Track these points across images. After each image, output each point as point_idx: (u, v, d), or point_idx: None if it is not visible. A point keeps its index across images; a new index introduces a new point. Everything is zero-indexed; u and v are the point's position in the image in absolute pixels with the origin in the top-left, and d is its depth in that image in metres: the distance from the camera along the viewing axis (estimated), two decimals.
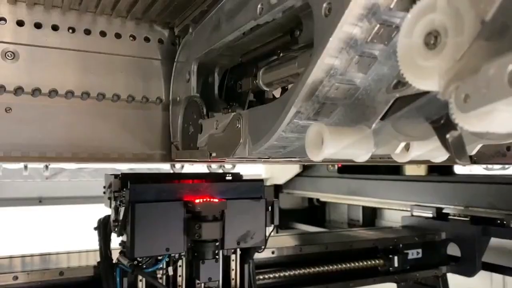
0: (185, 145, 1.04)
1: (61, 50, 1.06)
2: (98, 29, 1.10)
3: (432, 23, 0.43)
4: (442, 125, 0.51)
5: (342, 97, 0.61)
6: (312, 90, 0.60)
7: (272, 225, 1.41)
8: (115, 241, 1.30)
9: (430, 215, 2.19)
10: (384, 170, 2.81)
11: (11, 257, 1.37)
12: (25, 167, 2.66)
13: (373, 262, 1.81)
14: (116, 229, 1.23)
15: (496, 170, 2.66)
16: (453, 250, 2.05)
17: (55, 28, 1.06)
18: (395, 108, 0.58)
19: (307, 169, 3.15)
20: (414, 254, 1.92)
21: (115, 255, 1.27)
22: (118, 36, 1.12)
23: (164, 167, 3.46)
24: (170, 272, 1.24)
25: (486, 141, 0.61)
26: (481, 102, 0.38)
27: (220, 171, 3.01)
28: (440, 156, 0.66)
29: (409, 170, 2.81)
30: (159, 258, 1.20)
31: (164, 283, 1.24)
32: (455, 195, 2.19)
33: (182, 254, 1.23)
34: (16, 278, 1.19)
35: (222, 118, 0.85)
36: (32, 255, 1.41)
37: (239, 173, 1.43)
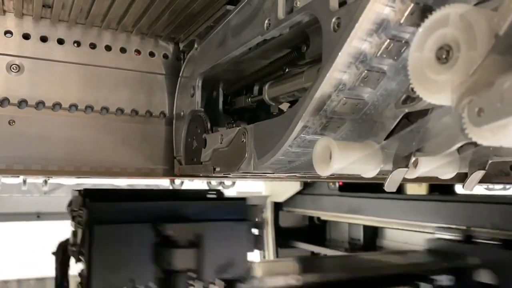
0: (189, 159, 1.04)
1: (66, 64, 1.06)
2: (103, 44, 1.11)
3: (444, 38, 0.43)
4: None
5: (350, 112, 0.61)
6: (320, 105, 0.60)
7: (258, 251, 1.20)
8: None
9: (459, 238, 2.02)
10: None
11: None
12: (24, 181, 2.65)
13: None
14: (74, 255, 1.02)
15: (497, 190, 2.65)
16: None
17: (60, 41, 1.06)
18: (403, 123, 0.58)
19: (307, 187, 3.13)
20: (445, 281, 1.75)
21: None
22: (123, 50, 1.13)
23: (164, 184, 3.45)
24: None
25: (496, 158, 0.61)
26: (495, 116, 0.38)
27: (220, 187, 2.99)
28: (448, 172, 0.65)
29: (410, 189, 2.80)
30: None
31: None
32: (456, 214, 2.18)
33: (150, 286, 1.02)
34: None
35: (227, 133, 0.84)
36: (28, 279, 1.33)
37: (219, 190, 1.32)
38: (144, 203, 1.05)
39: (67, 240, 1.10)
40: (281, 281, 1.42)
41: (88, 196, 1.03)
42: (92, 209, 0.98)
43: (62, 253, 1.08)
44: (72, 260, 1.09)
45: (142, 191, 1.27)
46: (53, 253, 1.11)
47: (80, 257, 1.01)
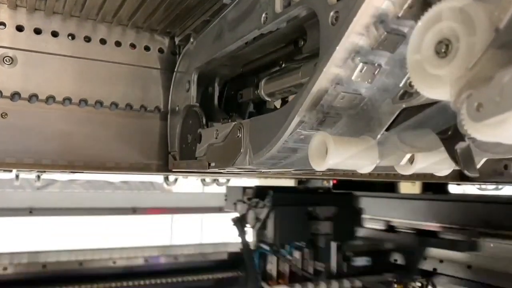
0: (183, 155, 1.03)
1: (60, 57, 1.05)
2: (98, 37, 1.09)
3: (443, 31, 0.42)
4: (450, 136, 0.51)
5: (347, 107, 0.60)
6: (317, 99, 0.59)
7: None
8: None
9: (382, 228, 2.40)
10: (379, 187, 2.80)
11: None
12: (17, 176, 2.63)
13: None
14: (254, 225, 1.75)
15: (489, 190, 2.67)
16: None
17: (55, 34, 1.05)
18: (400, 119, 0.57)
19: (302, 185, 3.13)
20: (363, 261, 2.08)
21: None
22: (118, 44, 1.12)
23: (158, 180, 3.43)
24: None
25: (491, 155, 0.61)
26: (494, 111, 0.37)
27: (214, 185, 2.99)
28: (444, 169, 0.65)
29: (404, 188, 2.81)
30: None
31: None
32: (449, 213, 2.20)
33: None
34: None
35: (222, 128, 0.84)
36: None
37: None
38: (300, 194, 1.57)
39: (239, 217, 1.71)
40: None
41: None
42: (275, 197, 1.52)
43: (241, 224, 1.66)
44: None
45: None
46: (234, 224, 1.76)
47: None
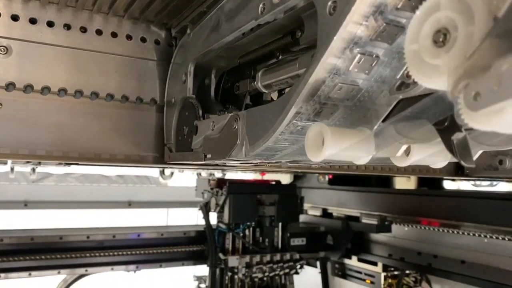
0: (179, 147, 1.03)
1: (56, 47, 1.04)
2: (94, 27, 1.09)
3: (441, 20, 0.42)
4: (446, 127, 0.50)
5: (344, 98, 0.60)
6: (314, 90, 0.59)
7: None
8: None
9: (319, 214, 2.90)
10: (375, 182, 2.81)
11: None
12: (12, 169, 2.61)
13: None
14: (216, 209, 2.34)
15: (484, 187, 2.68)
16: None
17: (50, 24, 1.04)
18: (397, 110, 0.57)
19: (297, 180, 3.14)
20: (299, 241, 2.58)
21: None
22: (114, 35, 1.11)
23: (154, 174, 3.43)
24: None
25: (487, 147, 0.61)
26: (492, 100, 0.37)
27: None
28: (440, 161, 0.65)
29: (399, 184, 2.82)
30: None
31: None
32: (443, 209, 2.21)
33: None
34: None
35: (219, 119, 0.84)
36: None
37: None
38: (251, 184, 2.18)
39: (206, 203, 2.27)
40: None
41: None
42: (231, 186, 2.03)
43: (206, 209, 2.24)
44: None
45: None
46: (199, 209, 2.32)
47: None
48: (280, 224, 2.47)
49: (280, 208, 2.41)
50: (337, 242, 2.63)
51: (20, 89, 1.00)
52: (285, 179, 3.14)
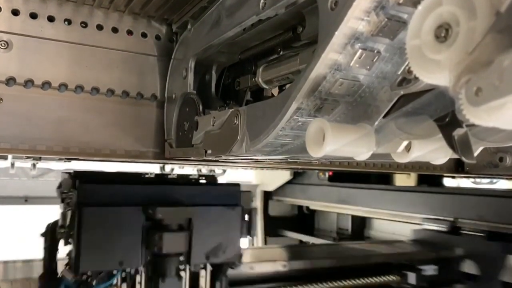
0: (180, 142, 1.03)
1: (56, 42, 1.04)
2: (94, 23, 1.08)
3: (443, 15, 0.42)
4: (447, 123, 0.50)
5: (345, 94, 0.60)
6: (315, 86, 0.59)
7: (248, 237, 1.25)
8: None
9: (444, 229, 2.09)
10: (375, 179, 2.81)
11: None
12: (12, 165, 2.62)
13: (388, 278, 1.71)
14: (62, 237, 1.06)
15: (484, 184, 2.68)
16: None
17: (51, 19, 1.04)
18: (398, 106, 0.57)
19: (297, 177, 3.14)
20: (429, 270, 1.82)
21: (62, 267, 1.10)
22: (115, 30, 1.11)
23: (155, 170, 3.42)
24: None
25: (488, 143, 0.61)
26: (493, 95, 0.37)
27: None
28: (440, 157, 0.65)
29: (399, 181, 2.82)
30: (113, 273, 1.02)
31: None
32: (444, 206, 2.20)
33: (140, 269, 1.05)
34: None
35: (219, 115, 0.83)
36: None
37: (213, 175, 1.27)
38: (135, 186, 1.06)
39: (55, 222, 1.13)
40: (269, 267, 1.43)
41: (78, 178, 1.03)
42: (82, 191, 0.99)
43: (51, 235, 1.10)
44: (61, 243, 1.10)
45: (133, 174, 1.31)
46: (42, 235, 1.14)
47: (69, 239, 1.03)
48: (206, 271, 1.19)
49: (200, 237, 1.13)
50: (486, 272, 1.85)
51: (20, 84, 1.00)
52: (284, 176, 3.12)
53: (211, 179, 1.22)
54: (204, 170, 2.91)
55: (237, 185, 1.20)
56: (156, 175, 1.19)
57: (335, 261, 1.64)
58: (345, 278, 1.57)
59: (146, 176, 1.22)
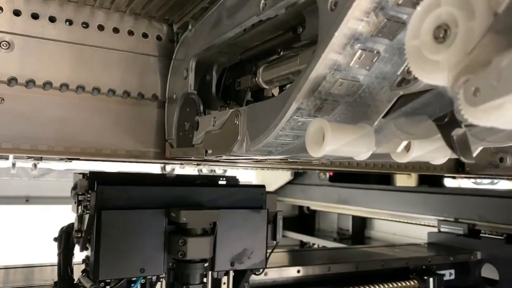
0: (180, 142, 1.03)
1: (57, 42, 1.05)
2: (96, 23, 1.09)
3: (442, 16, 0.42)
4: (446, 123, 0.51)
5: (345, 94, 0.60)
6: (315, 86, 0.59)
7: (274, 242, 1.18)
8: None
9: (461, 232, 2.03)
10: (375, 180, 2.81)
11: None
12: (13, 165, 2.62)
13: (407, 283, 1.66)
14: (79, 242, 1.01)
15: (484, 185, 2.68)
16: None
17: (52, 19, 1.04)
18: (397, 106, 0.57)
19: (298, 177, 3.14)
20: (447, 275, 1.77)
21: (78, 273, 1.05)
22: (116, 30, 1.11)
23: (156, 171, 3.43)
24: None
25: (487, 143, 0.61)
26: (491, 95, 0.37)
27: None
28: (440, 157, 0.65)
29: (400, 181, 2.82)
30: (133, 280, 0.97)
31: None
32: (444, 206, 2.20)
33: (161, 276, 0.99)
34: None
35: (220, 115, 0.84)
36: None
37: (235, 177, 1.21)
38: (156, 188, 1.00)
39: (70, 226, 1.07)
40: (283, 273, 1.40)
41: (95, 179, 0.98)
42: (101, 193, 0.93)
43: (66, 239, 1.03)
44: (76, 247, 1.05)
45: (152, 175, 1.24)
46: (55, 239, 1.07)
47: (86, 244, 0.98)
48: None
49: (225, 242, 1.10)
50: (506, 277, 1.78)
51: (22, 84, 1.01)
52: (285, 176, 3.13)
53: (232, 180, 1.17)
54: (205, 170, 2.91)
55: (262, 186, 1.15)
56: (177, 175, 1.13)
57: (353, 266, 1.59)
58: (363, 284, 1.52)
59: (167, 176, 1.17)
